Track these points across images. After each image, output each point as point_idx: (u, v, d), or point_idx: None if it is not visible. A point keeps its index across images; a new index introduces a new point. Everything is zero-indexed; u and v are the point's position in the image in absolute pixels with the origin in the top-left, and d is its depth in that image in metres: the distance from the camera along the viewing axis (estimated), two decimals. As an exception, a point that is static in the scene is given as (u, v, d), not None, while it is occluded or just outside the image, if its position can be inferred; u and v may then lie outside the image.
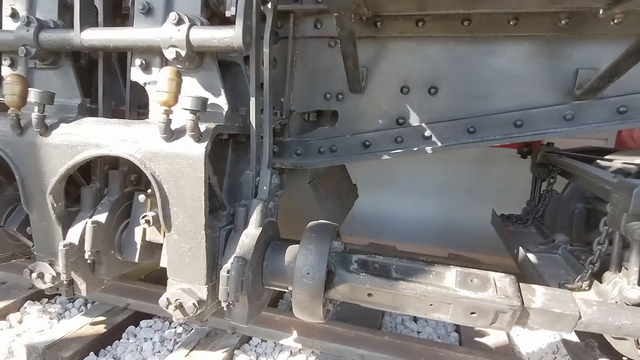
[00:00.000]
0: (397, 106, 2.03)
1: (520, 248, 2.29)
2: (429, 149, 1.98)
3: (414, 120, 2.01)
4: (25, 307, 2.54)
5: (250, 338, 2.29)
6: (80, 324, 2.27)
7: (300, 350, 2.22)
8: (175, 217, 1.48)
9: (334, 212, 2.69)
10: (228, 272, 1.47)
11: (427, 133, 1.99)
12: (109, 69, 1.80)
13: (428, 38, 1.94)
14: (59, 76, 1.72)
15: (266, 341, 2.28)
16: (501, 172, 4.17)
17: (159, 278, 2.85)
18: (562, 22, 1.76)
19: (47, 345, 2.07)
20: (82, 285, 1.74)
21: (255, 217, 1.54)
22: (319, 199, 2.51)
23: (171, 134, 1.40)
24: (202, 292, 1.53)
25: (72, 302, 2.63)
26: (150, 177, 1.45)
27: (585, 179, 2.19)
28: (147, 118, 1.63)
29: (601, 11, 1.66)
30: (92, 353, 2.15)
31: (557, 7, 1.70)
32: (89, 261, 1.67)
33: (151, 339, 2.29)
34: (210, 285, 1.54)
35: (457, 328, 2.52)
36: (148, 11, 1.52)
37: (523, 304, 1.35)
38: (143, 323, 2.42)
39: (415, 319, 2.60)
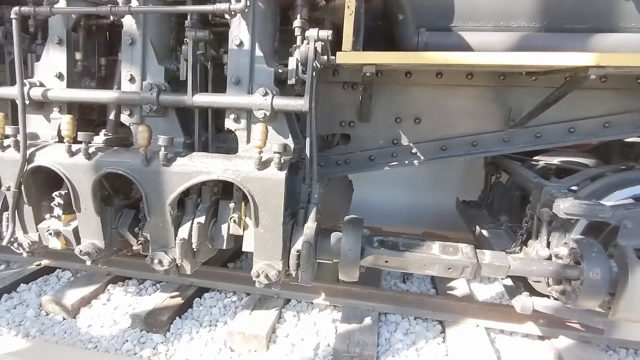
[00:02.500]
0: (393, 131, 2.90)
1: (477, 226, 3.26)
2: (415, 161, 2.87)
3: (405, 141, 2.89)
4: (108, 289, 3.26)
5: (290, 300, 3.15)
6: (162, 298, 3.02)
7: (326, 307, 3.11)
8: (262, 218, 2.29)
9: (343, 205, 3.55)
10: (298, 251, 2.31)
11: (414, 150, 2.88)
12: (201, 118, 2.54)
13: (414, 85, 2.81)
14: (166, 122, 2.45)
15: (301, 302, 3.14)
16: (462, 164, 5.17)
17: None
18: (501, 77, 2.69)
19: (147, 313, 2.83)
20: (187, 267, 2.51)
21: (312, 215, 2.36)
22: (332, 196, 3.36)
23: (262, 166, 2.20)
24: (279, 266, 2.36)
25: (143, 284, 3.37)
26: (247, 193, 2.24)
27: (519, 175, 3.17)
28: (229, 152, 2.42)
29: (523, 73, 2.60)
30: (177, 317, 2.93)
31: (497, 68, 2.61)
32: (194, 250, 2.46)
33: (215, 306, 3.09)
34: (284, 261, 2.37)
35: (435, 285, 3.48)
36: (237, 82, 2.29)
37: (478, 261, 2.29)
38: (207, 295, 3.21)
39: (404, 280, 3.55)
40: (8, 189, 2.57)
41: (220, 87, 2.46)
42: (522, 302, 2.52)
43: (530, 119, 2.63)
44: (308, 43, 2.14)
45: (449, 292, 3.34)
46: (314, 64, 2.15)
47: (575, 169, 3.04)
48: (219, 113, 2.53)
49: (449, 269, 2.30)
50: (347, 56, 2.06)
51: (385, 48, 2.67)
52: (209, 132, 2.56)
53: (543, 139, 2.73)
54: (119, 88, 2.71)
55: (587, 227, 2.44)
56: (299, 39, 2.28)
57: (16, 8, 2.32)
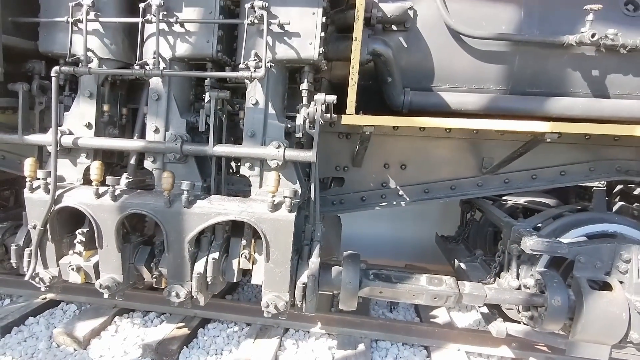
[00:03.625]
0: (382, 176, 3.30)
1: (456, 260, 3.65)
2: (402, 202, 3.26)
3: (392, 184, 3.29)
4: (115, 321, 3.44)
5: (289, 329, 3.41)
6: (169, 329, 3.23)
7: (322, 335, 3.38)
8: (272, 254, 2.60)
9: (335, 240, 3.89)
10: (304, 284, 2.62)
11: (401, 192, 3.28)
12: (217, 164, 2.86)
13: (400, 136, 3.23)
14: (186, 168, 2.75)
15: (298, 331, 3.41)
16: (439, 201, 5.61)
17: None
18: (474, 132, 3.15)
19: (158, 343, 3.03)
20: (201, 299, 2.77)
21: (316, 251, 2.68)
22: (325, 232, 3.69)
23: (274, 208, 2.53)
24: (286, 297, 2.66)
25: (147, 315, 3.56)
26: (260, 232, 2.55)
27: (491, 214, 3.60)
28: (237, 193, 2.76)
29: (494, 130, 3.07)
30: (184, 347, 3.14)
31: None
32: (209, 283, 2.73)
33: (219, 335, 3.32)
34: (290, 292, 2.67)
35: (418, 314, 3.81)
36: (252, 135, 2.65)
37: (459, 291, 2.65)
38: (210, 325, 3.43)
39: (390, 309, 3.87)
40: (34, 227, 2.79)
41: (230, 133, 2.85)
42: (497, 327, 2.89)
43: (500, 167, 3.08)
44: (315, 104, 2.53)
45: (432, 319, 3.67)
46: (320, 122, 2.54)
47: (538, 208, 3.50)
48: (230, 158, 2.88)
49: (435, 298, 2.66)
50: (351, 119, 2.46)
51: (376, 103, 3.11)
52: (222, 176, 2.88)
53: (511, 184, 3.18)
54: (140, 135, 3.02)
55: (549, 260, 2.86)
56: (305, 98, 2.68)
57: (56, 67, 2.63)
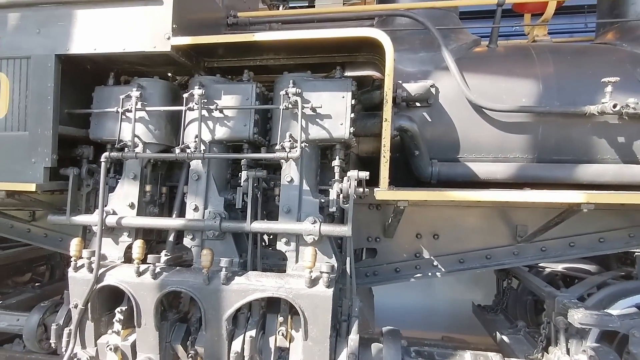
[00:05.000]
0: (415, 246, 3.29)
1: (497, 333, 3.49)
2: (438, 273, 3.22)
3: (426, 254, 3.27)
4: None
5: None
6: (202, 411, 3.12)
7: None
8: (311, 331, 2.56)
9: (368, 311, 3.80)
10: (343, 363, 2.55)
11: (435, 263, 3.25)
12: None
13: (431, 206, 3.27)
14: (223, 244, 2.83)
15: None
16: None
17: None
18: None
19: None
20: (238, 379, 2.71)
21: (354, 328, 2.63)
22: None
23: (312, 284, 2.54)
24: (326, 377, 2.58)
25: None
26: (298, 309, 2.54)
27: (529, 282, 3.50)
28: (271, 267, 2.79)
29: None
30: None
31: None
32: (246, 362, 2.68)
33: (252, 418, 3.17)
34: (330, 373, 2.59)
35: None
36: (288, 211, 2.73)
37: (508, 370, 2.53)
38: (242, 407, 3.29)
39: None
40: (75, 306, 2.85)
41: (262, 207, 2.94)
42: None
43: (535, 236, 3.05)
44: (348, 180, 2.62)
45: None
46: (353, 197, 2.62)
47: (579, 276, 3.39)
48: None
49: (482, 378, 2.53)
50: (384, 194, 2.53)
51: (403, 174, 3.20)
52: (258, 251, 2.93)
53: (548, 253, 3.12)
54: (178, 213, 3.15)
55: (600, 334, 2.72)
56: (337, 174, 2.79)
57: (106, 154, 2.85)
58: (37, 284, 5.32)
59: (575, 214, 2.65)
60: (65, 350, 2.90)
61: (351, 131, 2.69)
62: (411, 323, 5.34)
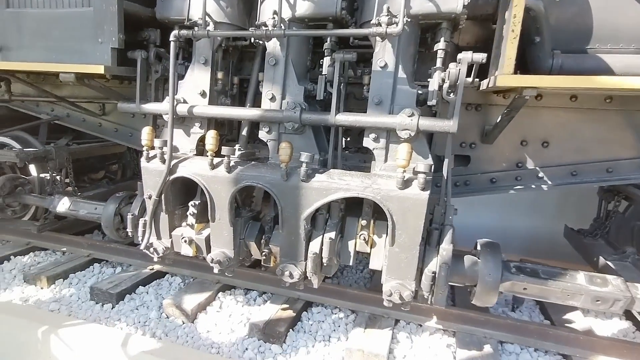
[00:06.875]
0: (517, 154, 2.83)
1: (601, 257, 3.08)
2: (543, 186, 2.78)
3: (530, 164, 2.81)
4: (219, 297, 3.39)
5: (399, 321, 3.12)
6: (274, 310, 3.09)
7: (436, 330, 3.04)
8: (398, 237, 2.29)
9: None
10: (433, 272, 2.29)
11: (540, 174, 2.79)
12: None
13: (543, 107, 2.73)
14: (303, 139, 2.54)
15: (410, 323, 3.10)
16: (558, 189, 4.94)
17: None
18: (644, 102, 2.56)
19: (265, 323, 2.91)
20: (315, 281, 2.57)
21: (448, 237, 2.33)
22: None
23: (404, 185, 2.21)
24: (412, 286, 2.35)
25: (249, 293, 3.47)
26: (385, 211, 2.26)
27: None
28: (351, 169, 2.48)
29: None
30: (290, 329, 2.99)
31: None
32: (325, 265, 2.51)
33: (324, 321, 3.12)
34: (416, 281, 2.36)
35: (548, 316, 3.30)
36: (379, 102, 2.34)
37: (632, 295, 2.15)
38: (314, 309, 3.25)
39: (513, 308, 3.40)
40: (149, 197, 2.76)
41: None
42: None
43: (677, 146, 2.47)
44: (458, 64, 2.15)
45: (566, 324, 3.15)
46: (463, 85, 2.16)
47: None
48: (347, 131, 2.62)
49: (598, 301, 2.19)
50: (509, 79, 2.04)
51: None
52: (339, 149, 2.62)
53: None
54: (252, 105, 2.87)
55: None
56: (439, 60, 2.31)
57: (175, 31, 2.53)
58: (110, 181, 5.51)
59: None
60: (142, 240, 2.89)
61: (465, 3, 2.15)
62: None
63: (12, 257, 4.01)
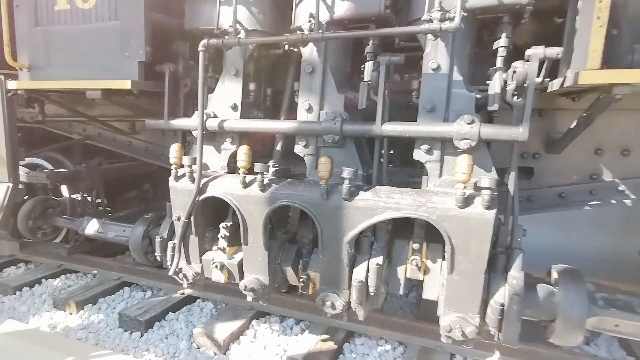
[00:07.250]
0: (591, 165, 2.46)
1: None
2: (626, 201, 2.39)
3: (607, 176, 2.43)
4: (253, 325, 3.14)
5: (454, 355, 2.75)
6: (314, 341, 2.80)
7: (498, 367, 2.66)
8: (458, 263, 1.97)
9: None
10: (501, 305, 1.95)
11: (620, 187, 2.41)
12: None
13: (622, 110, 2.36)
14: (343, 153, 2.28)
15: (468, 358, 2.73)
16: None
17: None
18: None
19: (304, 357, 2.62)
20: (360, 312, 2.26)
21: (518, 263, 1.99)
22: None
23: (465, 203, 1.90)
24: (475, 320, 2.01)
25: (285, 321, 3.19)
26: (443, 233, 1.95)
27: None
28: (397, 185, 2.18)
29: None
30: (332, 363, 2.69)
31: None
32: (371, 294, 2.21)
33: (369, 354, 2.80)
34: (480, 314, 2.02)
35: (631, 351, 2.84)
36: (432, 109, 2.05)
37: None
38: (357, 341, 2.93)
39: (587, 342, 2.96)
40: (178, 218, 2.56)
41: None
42: None
43: None
44: (525, 62, 1.84)
45: (653, 362, 2.70)
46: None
47: None
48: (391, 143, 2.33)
49: None
50: (596, 75, 1.70)
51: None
52: (384, 163, 2.34)
53: None
54: (286, 118, 2.65)
55: None
56: (500, 60, 2.01)
57: (204, 41, 2.35)
58: (142, 200, 5.42)
59: None
60: (171, 265, 2.69)
61: (531, -7, 1.86)
62: (539, 262, 4.56)
63: (43, 280, 3.92)
